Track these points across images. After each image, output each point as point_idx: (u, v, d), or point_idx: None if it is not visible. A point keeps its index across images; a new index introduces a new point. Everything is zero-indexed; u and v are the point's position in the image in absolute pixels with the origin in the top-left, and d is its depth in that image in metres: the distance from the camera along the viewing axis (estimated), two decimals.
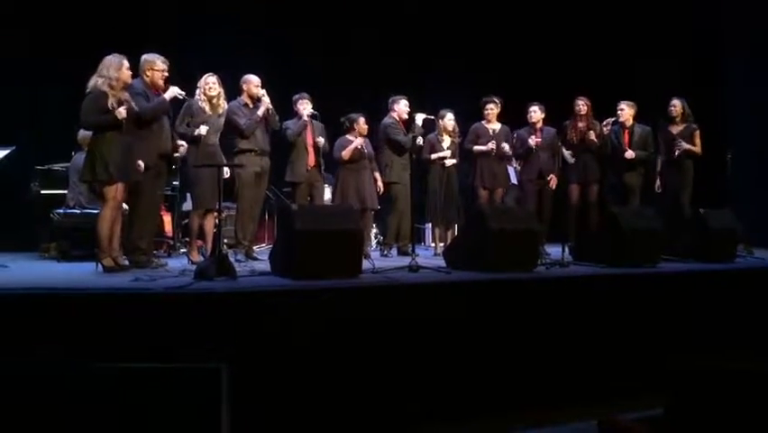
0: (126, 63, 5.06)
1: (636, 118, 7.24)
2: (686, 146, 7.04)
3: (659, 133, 7.26)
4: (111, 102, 4.92)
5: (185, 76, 5.81)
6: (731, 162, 7.29)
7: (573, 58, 9.04)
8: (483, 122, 7.18)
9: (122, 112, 4.91)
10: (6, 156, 5.51)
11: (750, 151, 8.38)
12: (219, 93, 5.91)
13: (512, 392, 4.35)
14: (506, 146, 6.99)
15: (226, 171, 5.84)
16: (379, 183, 6.97)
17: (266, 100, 6.16)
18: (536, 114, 7.10)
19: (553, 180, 7.04)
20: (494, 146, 6.97)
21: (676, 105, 7.18)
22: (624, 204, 6.92)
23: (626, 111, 7.20)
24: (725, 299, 5.20)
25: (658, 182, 7.22)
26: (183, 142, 5.71)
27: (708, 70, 8.99)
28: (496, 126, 7.15)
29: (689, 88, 7.73)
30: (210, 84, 5.87)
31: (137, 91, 5.27)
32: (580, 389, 4.50)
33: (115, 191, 4.99)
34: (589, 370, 4.59)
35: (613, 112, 7.21)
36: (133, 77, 5.27)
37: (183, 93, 5.48)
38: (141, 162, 5.18)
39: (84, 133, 6.11)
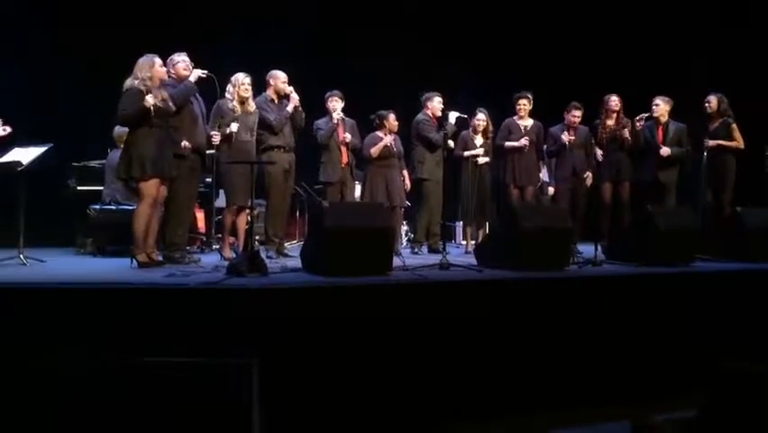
0: (158, 61, 5.16)
1: (672, 115, 7.12)
2: (713, 143, 6.90)
3: (697, 130, 7.13)
4: (146, 98, 5.02)
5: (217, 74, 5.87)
6: None
7: (609, 53, 8.92)
8: (515, 117, 7.12)
9: (149, 99, 5.00)
10: (43, 154, 5.62)
11: None
12: (250, 95, 5.97)
13: (544, 392, 4.31)
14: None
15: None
16: (407, 182, 6.96)
17: (295, 97, 6.17)
18: (576, 117, 6.98)
19: (588, 178, 6.95)
20: (526, 142, 6.92)
21: (711, 102, 7.05)
22: (659, 202, 6.81)
23: (662, 106, 7.07)
24: (763, 299, 5.10)
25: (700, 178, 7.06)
26: (216, 132, 5.79)
27: (745, 64, 8.78)
28: (528, 122, 7.09)
29: (726, 83, 7.57)
30: (246, 84, 5.93)
31: (166, 83, 5.36)
32: (613, 389, 4.45)
33: (151, 187, 5.06)
34: (622, 370, 4.54)
35: (649, 108, 7.10)
36: None
37: (206, 72, 5.54)
38: (186, 143, 5.31)
39: (119, 131, 6.20)
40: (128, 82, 5.08)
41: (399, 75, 8.56)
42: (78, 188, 6.90)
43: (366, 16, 8.76)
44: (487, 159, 6.99)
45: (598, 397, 4.37)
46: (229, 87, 5.96)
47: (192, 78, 5.47)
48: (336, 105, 6.53)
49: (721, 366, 2.27)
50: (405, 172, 6.99)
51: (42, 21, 7.44)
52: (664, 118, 7.08)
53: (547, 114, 7.29)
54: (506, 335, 4.29)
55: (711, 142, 6.90)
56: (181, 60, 5.58)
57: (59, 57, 7.44)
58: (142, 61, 5.11)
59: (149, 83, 5.05)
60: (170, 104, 5.19)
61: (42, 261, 5.38)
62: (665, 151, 6.92)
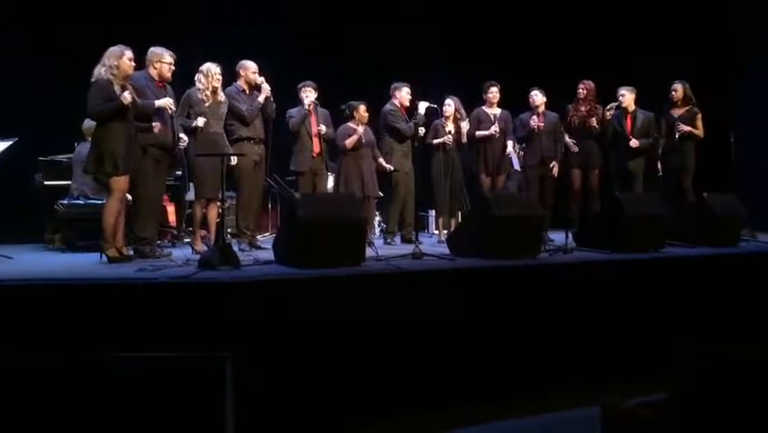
0: (128, 54, 5.05)
1: (638, 103, 7.22)
2: (686, 128, 7.02)
3: (661, 117, 7.25)
4: (116, 89, 4.95)
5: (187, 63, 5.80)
6: (734, 145, 7.25)
7: (577, 43, 8.98)
8: (484, 107, 7.16)
9: (126, 96, 4.92)
10: (9, 148, 5.52)
11: (754, 134, 8.33)
12: (220, 85, 5.91)
13: (516, 379, 4.36)
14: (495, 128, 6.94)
15: (233, 158, 5.83)
16: (387, 165, 6.93)
17: (266, 87, 6.12)
18: (538, 97, 7.08)
19: (555, 167, 7.03)
20: (497, 129, 6.95)
21: (677, 89, 7.17)
22: (627, 189, 6.90)
23: (627, 96, 7.18)
24: (729, 283, 5.20)
25: (659, 165, 7.21)
26: (184, 136, 5.70)
27: (713, 54, 8.90)
28: (496, 111, 7.14)
29: (692, 71, 7.68)
30: (218, 75, 5.86)
31: (138, 83, 5.26)
32: (583, 375, 4.51)
33: (122, 182, 5.03)
34: (593, 356, 4.60)
35: (616, 97, 7.19)
36: (139, 68, 5.30)
37: (173, 109, 5.46)
38: (157, 124, 5.16)
39: (89, 124, 6.10)
40: (96, 70, 4.98)
41: (370, 65, 8.52)
42: (45, 182, 6.77)
43: (338, 11, 8.70)
44: (450, 137, 6.95)
45: (569, 383, 4.42)
46: (200, 77, 5.86)
47: (158, 104, 5.33)
48: (309, 95, 6.49)
49: (690, 349, 2.30)
50: (380, 160, 6.95)
51: (3, 12, 7.27)
52: (631, 108, 7.18)
53: (518, 103, 7.33)
54: (479, 323, 4.33)
55: (685, 128, 7.00)
56: (169, 63, 5.48)
57: (22, 48, 7.29)
58: (112, 50, 5.02)
59: (115, 72, 4.97)
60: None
61: (10, 257, 5.29)
62: (635, 143, 7.03)
